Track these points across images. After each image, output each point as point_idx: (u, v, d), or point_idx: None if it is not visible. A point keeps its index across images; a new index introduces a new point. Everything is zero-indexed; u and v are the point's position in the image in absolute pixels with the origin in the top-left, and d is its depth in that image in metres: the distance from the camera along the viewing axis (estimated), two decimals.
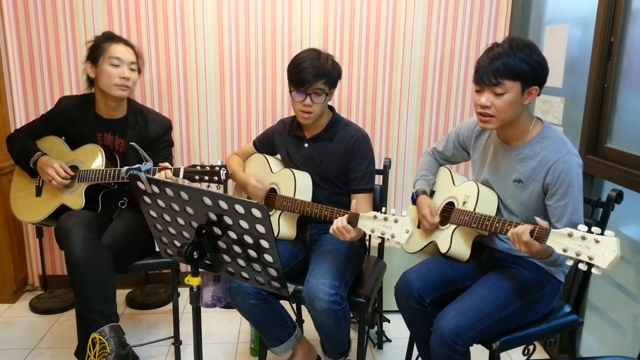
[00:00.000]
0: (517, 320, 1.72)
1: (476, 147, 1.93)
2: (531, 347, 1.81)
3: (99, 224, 2.14)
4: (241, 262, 1.46)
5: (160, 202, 1.47)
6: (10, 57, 2.74)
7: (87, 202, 2.18)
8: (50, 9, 2.74)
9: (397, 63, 2.93)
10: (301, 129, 2.14)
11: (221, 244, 1.45)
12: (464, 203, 1.83)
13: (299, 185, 2.04)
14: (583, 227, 1.39)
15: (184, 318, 2.66)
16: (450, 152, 2.05)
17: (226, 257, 1.48)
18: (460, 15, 2.90)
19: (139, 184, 1.46)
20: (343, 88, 2.94)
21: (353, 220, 1.76)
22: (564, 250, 1.40)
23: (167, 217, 1.50)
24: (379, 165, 2.19)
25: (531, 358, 1.82)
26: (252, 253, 1.41)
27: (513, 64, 1.59)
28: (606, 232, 1.35)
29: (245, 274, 1.50)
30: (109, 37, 2.24)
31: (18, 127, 2.51)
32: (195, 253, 1.40)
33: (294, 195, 2.02)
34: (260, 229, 1.33)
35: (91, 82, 2.27)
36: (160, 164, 2.04)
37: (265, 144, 2.26)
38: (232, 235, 1.40)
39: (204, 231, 1.42)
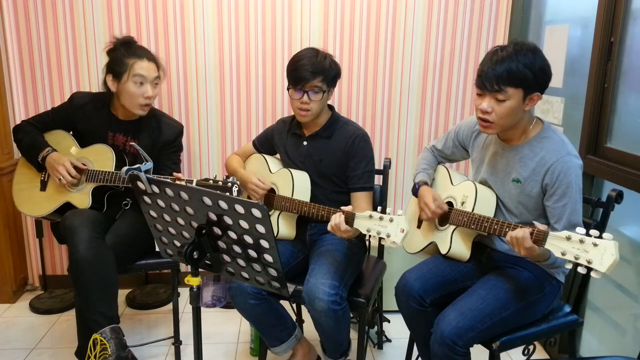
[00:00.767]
0: (518, 321, 1.72)
1: (475, 146, 1.92)
2: (531, 347, 1.81)
3: (104, 224, 2.14)
4: (241, 262, 1.46)
5: (160, 202, 1.47)
6: (10, 57, 2.74)
7: (92, 202, 2.18)
8: (50, 9, 2.74)
9: (397, 63, 2.93)
10: (300, 127, 2.14)
11: (221, 244, 1.45)
12: (462, 203, 1.83)
13: (297, 185, 2.04)
14: (581, 230, 1.38)
15: (184, 318, 2.66)
16: (449, 150, 2.04)
17: (226, 257, 1.48)
18: (460, 15, 2.90)
19: (139, 184, 1.46)
20: (343, 88, 2.94)
21: (349, 220, 1.76)
22: (563, 254, 1.40)
23: (167, 217, 1.50)
24: (378, 165, 2.19)
25: (531, 358, 1.82)
26: (252, 253, 1.41)
27: (516, 70, 1.57)
28: (604, 235, 1.34)
29: (245, 274, 1.50)
30: (132, 50, 2.18)
31: None
32: (195, 253, 1.40)
33: (292, 196, 2.02)
34: (260, 229, 1.33)
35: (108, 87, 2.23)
36: (175, 174, 2.06)
37: (265, 144, 2.26)
38: (232, 235, 1.40)
39: (204, 231, 1.42)
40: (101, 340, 1.91)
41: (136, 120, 2.28)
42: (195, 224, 1.44)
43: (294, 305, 2.40)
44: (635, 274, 2.06)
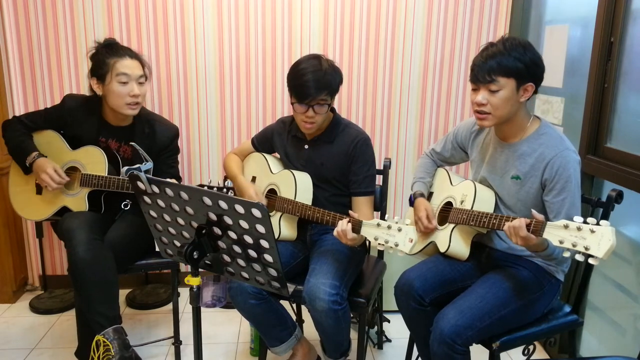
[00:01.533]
0: (517, 320, 1.73)
1: (474, 146, 1.93)
2: (531, 347, 1.81)
3: (102, 225, 2.13)
4: (241, 262, 1.46)
5: (160, 202, 1.47)
6: (10, 57, 2.74)
7: (89, 204, 2.17)
8: (50, 9, 2.74)
9: (397, 63, 2.93)
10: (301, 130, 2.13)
11: (221, 244, 1.45)
12: (461, 202, 1.83)
13: (299, 187, 2.03)
14: (579, 219, 1.40)
15: (184, 318, 2.66)
16: (448, 152, 2.05)
17: (226, 257, 1.48)
18: (460, 15, 2.90)
19: (139, 184, 1.46)
20: (343, 88, 2.93)
21: (356, 228, 1.75)
22: (560, 242, 1.41)
23: (167, 217, 1.50)
24: (379, 165, 2.19)
25: (531, 358, 1.82)
26: (252, 253, 1.41)
27: (507, 62, 1.62)
28: (602, 222, 1.36)
29: (245, 274, 1.50)
30: (113, 50, 2.15)
31: None
32: (195, 253, 1.40)
33: (295, 197, 2.01)
34: (260, 229, 1.33)
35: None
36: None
37: (264, 143, 2.25)
38: (232, 235, 1.40)
39: (204, 231, 1.42)
40: (104, 342, 1.91)
41: (129, 125, 2.25)
42: (195, 224, 1.44)
43: (294, 305, 2.40)
44: (635, 274, 2.06)
